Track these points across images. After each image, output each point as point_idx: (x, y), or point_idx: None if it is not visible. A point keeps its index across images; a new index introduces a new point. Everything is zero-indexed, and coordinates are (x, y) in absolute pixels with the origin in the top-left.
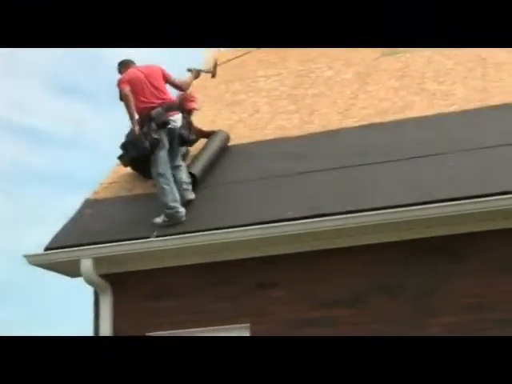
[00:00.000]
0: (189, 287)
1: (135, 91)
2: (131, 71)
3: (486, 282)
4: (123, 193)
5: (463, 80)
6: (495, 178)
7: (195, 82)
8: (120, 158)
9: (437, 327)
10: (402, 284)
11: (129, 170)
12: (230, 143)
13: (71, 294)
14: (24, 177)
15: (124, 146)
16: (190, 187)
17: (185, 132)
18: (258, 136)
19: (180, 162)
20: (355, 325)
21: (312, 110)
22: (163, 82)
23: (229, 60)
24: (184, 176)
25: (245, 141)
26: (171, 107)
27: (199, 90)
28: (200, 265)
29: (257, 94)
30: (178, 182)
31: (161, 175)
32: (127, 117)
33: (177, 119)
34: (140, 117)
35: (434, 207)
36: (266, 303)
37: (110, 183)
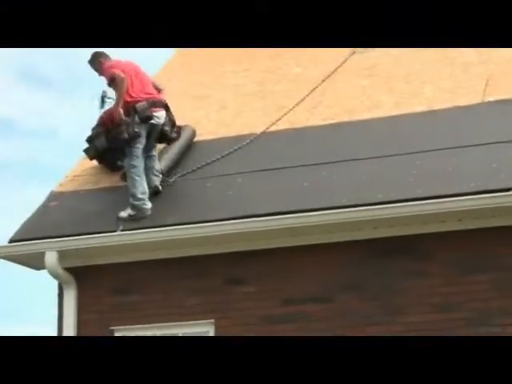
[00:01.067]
0: (154, 282)
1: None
2: (122, 62)
3: (451, 282)
4: (89, 186)
5: (431, 80)
6: (462, 178)
7: (161, 76)
8: (86, 151)
9: (402, 326)
10: (368, 282)
11: (94, 162)
12: (196, 139)
13: (36, 286)
14: None
15: (90, 139)
16: (160, 176)
17: (168, 129)
18: (225, 132)
19: (153, 153)
20: (321, 321)
21: (279, 107)
22: (148, 79)
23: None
24: (155, 165)
25: (211, 136)
26: (156, 103)
27: (165, 83)
28: (166, 260)
29: (224, 90)
30: (148, 169)
31: (134, 166)
32: (112, 101)
33: (161, 116)
34: (125, 108)
35: (400, 206)
36: (233, 299)
37: (76, 176)
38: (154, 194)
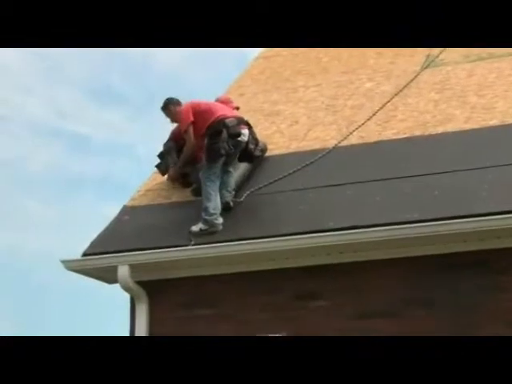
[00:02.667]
0: (226, 296)
1: (204, 109)
2: (194, 102)
3: None
4: (160, 200)
5: (504, 93)
6: None
7: (233, 92)
8: (158, 166)
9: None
10: (440, 298)
11: (166, 177)
12: (268, 154)
13: (109, 300)
14: (63, 182)
15: (162, 155)
16: (233, 193)
17: (252, 147)
18: (296, 147)
19: (230, 169)
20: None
21: (351, 122)
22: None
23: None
24: (230, 181)
25: (283, 151)
26: (241, 121)
27: (237, 99)
28: (238, 274)
29: (295, 105)
30: (222, 184)
31: (211, 181)
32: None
33: (245, 133)
34: (210, 127)
35: (472, 221)
36: (305, 314)
37: (148, 190)
38: (225, 209)
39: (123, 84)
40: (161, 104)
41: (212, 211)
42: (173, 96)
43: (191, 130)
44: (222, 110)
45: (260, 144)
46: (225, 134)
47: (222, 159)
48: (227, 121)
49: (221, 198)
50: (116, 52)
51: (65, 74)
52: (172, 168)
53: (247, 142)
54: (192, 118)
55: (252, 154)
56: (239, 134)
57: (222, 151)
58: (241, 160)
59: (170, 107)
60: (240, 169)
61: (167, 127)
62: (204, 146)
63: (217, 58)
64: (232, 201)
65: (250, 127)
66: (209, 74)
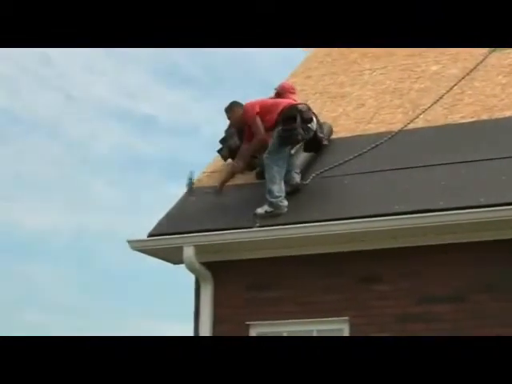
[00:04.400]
0: (290, 278)
1: (271, 103)
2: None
3: None
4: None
5: None
6: None
7: (300, 74)
8: (220, 151)
9: None
10: (506, 283)
11: (230, 160)
12: (334, 136)
13: (174, 280)
14: (130, 163)
15: (224, 140)
16: (300, 174)
17: (322, 136)
18: (362, 129)
19: (293, 152)
20: (456, 321)
21: (417, 105)
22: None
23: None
24: (297, 163)
25: (349, 134)
26: (309, 109)
27: (303, 81)
28: (302, 256)
29: (362, 87)
30: (290, 166)
31: (277, 166)
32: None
33: (314, 121)
34: (284, 112)
35: None
36: (368, 297)
37: (213, 172)
38: (295, 191)
39: (189, 64)
40: (226, 104)
41: (277, 194)
42: (241, 76)
43: (259, 121)
44: (289, 102)
45: (325, 132)
46: (299, 119)
47: (293, 143)
48: (300, 106)
49: (290, 179)
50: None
51: (131, 55)
52: (238, 161)
53: (315, 130)
54: (258, 110)
55: (321, 142)
56: (311, 120)
57: (299, 137)
58: (308, 149)
59: (233, 109)
60: (304, 152)
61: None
62: (273, 134)
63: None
64: (298, 182)
65: (315, 115)
66: (276, 54)
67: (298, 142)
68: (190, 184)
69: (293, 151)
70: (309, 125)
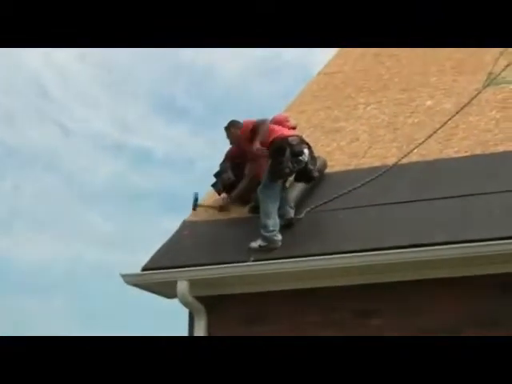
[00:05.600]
0: (285, 313)
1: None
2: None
3: None
4: (220, 216)
5: None
6: None
7: (294, 108)
8: (214, 185)
9: None
10: (501, 318)
11: (224, 194)
12: (328, 170)
13: (167, 314)
14: (125, 196)
15: (218, 174)
16: (294, 209)
17: (312, 168)
18: (356, 164)
19: (287, 185)
20: None
21: (411, 139)
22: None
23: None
24: (290, 197)
25: (343, 168)
26: (302, 140)
27: (298, 116)
28: (297, 290)
29: (356, 122)
30: (283, 200)
31: (271, 198)
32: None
33: (306, 153)
34: (273, 144)
35: None
36: (364, 332)
37: (207, 206)
38: (289, 225)
39: (186, 97)
40: (225, 123)
41: (271, 228)
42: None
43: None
44: (281, 130)
45: (318, 164)
46: (288, 152)
47: (284, 178)
48: (290, 139)
49: (284, 214)
50: (180, 64)
51: (128, 88)
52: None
53: (306, 162)
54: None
55: (311, 174)
56: (301, 153)
57: (287, 170)
58: (298, 180)
59: (231, 129)
60: (298, 185)
61: (227, 142)
62: (266, 164)
63: (279, 71)
64: (291, 217)
65: (309, 147)
66: (271, 87)
67: (287, 176)
68: (196, 205)
69: (287, 184)
70: (300, 157)
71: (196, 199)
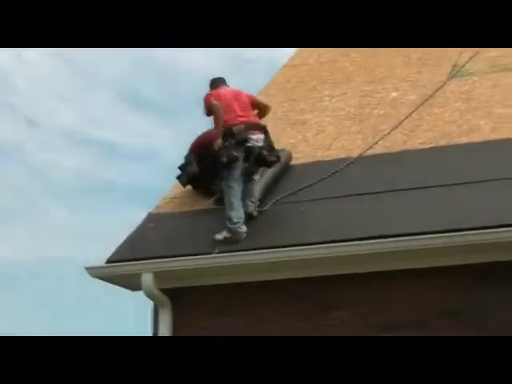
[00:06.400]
0: (249, 305)
1: (223, 105)
2: (219, 90)
3: None
4: (185, 208)
5: None
6: None
7: None
8: (179, 178)
9: None
10: (464, 309)
11: (189, 186)
12: (293, 162)
13: (131, 306)
14: (91, 189)
15: (183, 167)
16: (256, 203)
17: (266, 153)
18: (321, 155)
19: (254, 177)
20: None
21: (376, 131)
22: (249, 104)
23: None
24: (254, 190)
25: (308, 160)
26: (253, 126)
27: None
28: (261, 282)
29: (321, 114)
30: (246, 193)
31: (231, 189)
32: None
33: (258, 139)
34: (221, 132)
35: (500, 231)
36: (327, 325)
37: (173, 198)
38: (249, 219)
39: (151, 89)
40: (190, 115)
41: (235, 220)
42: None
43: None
44: (234, 113)
45: (278, 150)
46: (230, 141)
47: (238, 165)
48: (234, 128)
49: (244, 208)
50: (143, 56)
51: (94, 79)
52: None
53: (260, 148)
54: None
55: (265, 159)
56: (247, 140)
57: (226, 159)
58: (257, 165)
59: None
60: (264, 178)
61: (195, 134)
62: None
63: (247, 65)
64: (256, 210)
65: (265, 132)
66: (238, 82)
67: (230, 163)
68: (182, 179)
69: (255, 177)
70: (248, 144)
71: (181, 175)
